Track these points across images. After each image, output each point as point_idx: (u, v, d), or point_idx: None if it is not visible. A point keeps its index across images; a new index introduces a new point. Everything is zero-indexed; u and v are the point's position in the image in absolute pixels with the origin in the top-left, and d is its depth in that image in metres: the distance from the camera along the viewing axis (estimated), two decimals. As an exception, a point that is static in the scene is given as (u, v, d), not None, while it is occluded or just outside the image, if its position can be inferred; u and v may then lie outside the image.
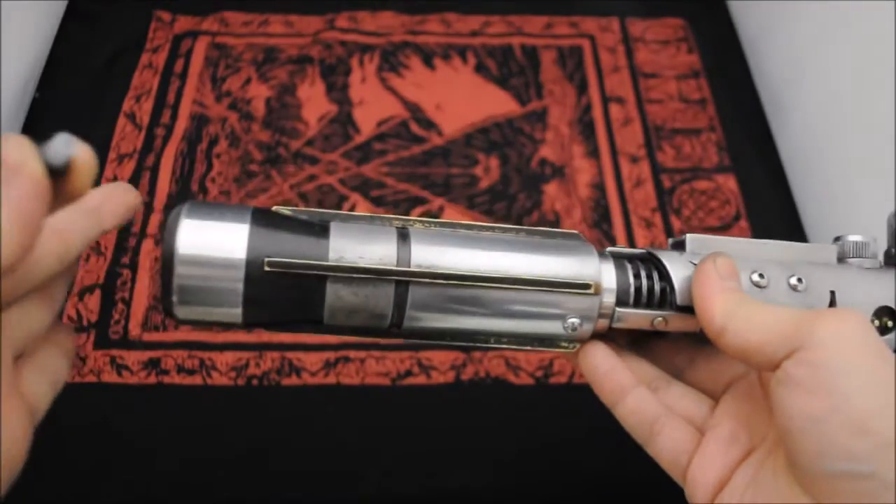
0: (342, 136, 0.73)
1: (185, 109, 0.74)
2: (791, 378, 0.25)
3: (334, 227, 0.28)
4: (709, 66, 0.80)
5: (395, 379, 0.59)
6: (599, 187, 0.71)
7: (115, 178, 0.69)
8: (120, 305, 0.61)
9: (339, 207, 0.68)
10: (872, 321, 0.30)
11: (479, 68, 0.79)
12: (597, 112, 0.76)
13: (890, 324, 0.31)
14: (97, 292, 0.62)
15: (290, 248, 0.27)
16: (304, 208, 0.30)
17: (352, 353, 0.60)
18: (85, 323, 0.60)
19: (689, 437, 0.32)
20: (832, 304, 0.31)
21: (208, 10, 0.82)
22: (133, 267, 0.64)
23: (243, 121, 0.73)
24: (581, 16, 0.84)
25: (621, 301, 0.31)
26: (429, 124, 0.74)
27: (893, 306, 0.31)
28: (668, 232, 0.68)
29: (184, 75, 0.77)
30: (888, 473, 0.22)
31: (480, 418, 0.57)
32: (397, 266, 0.28)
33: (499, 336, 0.31)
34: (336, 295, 0.28)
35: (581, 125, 0.75)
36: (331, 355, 0.59)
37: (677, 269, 0.31)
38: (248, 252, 0.26)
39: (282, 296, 0.27)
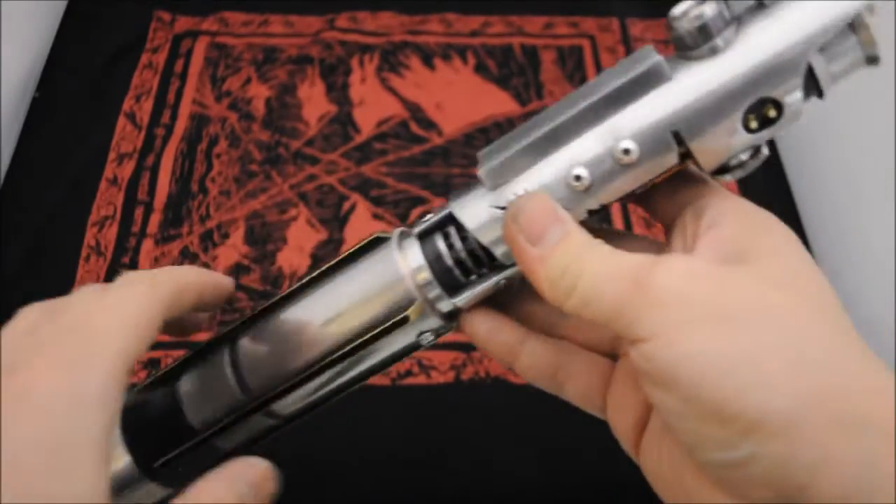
0: (342, 136, 0.73)
1: (185, 109, 0.74)
2: (636, 367, 0.22)
3: (184, 396, 0.29)
4: (709, 66, 0.80)
5: (395, 379, 0.59)
6: (599, 187, 0.71)
7: (114, 178, 0.69)
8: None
9: (339, 207, 0.68)
10: (747, 122, 0.23)
11: (479, 68, 0.79)
12: (597, 112, 0.76)
13: (773, 113, 0.23)
14: (97, 292, 0.62)
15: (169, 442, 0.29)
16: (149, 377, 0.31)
17: (352, 353, 0.60)
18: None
19: (598, 376, 0.28)
20: (684, 152, 0.24)
21: (208, 10, 0.82)
22: (133, 267, 0.64)
23: (243, 121, 0.73)
24: (581, 16, 0.84)
25: (451, 287, 0.27)
26: (429, 124, 0.74)
27: (772, 94, 0.23)
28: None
29: (184, 75, 0.77)
30: (767, 453, 0.20)
31: (480, 418, 0.57)
32: (247, 403, 0.28)
33: (368, 375, 0.29)
34: (227, 440, 0.30)
35: (581, 125, 0.75)
36: (331, 355, 0.59)
37: (480, 221, 0.26)
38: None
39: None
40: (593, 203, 0.25)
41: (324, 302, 0.28)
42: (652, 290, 0.21)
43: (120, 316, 0.24)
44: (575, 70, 0.79)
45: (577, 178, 0.25)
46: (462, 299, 0.27)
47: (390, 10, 0.83)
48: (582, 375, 0.29)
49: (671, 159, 0.24)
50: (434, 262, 0.27)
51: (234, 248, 0.65)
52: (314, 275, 0.28)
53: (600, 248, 0.24)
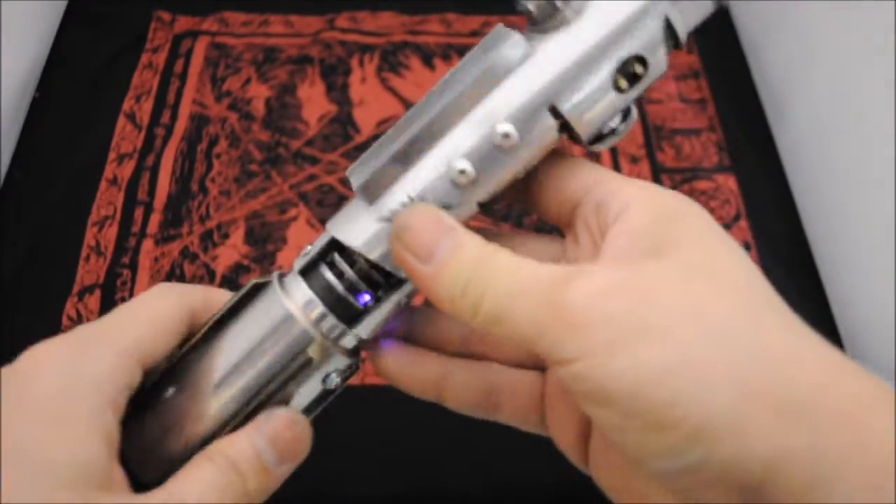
0: (342, 136, 0.73)
1: (185, 109, 0.74)
2: (567, 387, 0.21)
3: None
4: (709, 66, 0.80)
5: (394, 379, 0.59)
6: (599, 187, 0.71)
7: (114, 178, 0.69)
8: (120, 305, 0.61)
9: (339, 207, 0.68)
10: (616, 83, 0.23)
11: (479, 68, 0.79)
12: (597, 112, 0.76)
13: (640, 69, 0.23)
14: (97, 292, 0.62)
15: None
16: None
17: (352, 353, 0.60)
18: (85, 323, 0.60)
19: (530, 394, 0.26)
20: (563, 126, 0.23)
21: (208, 10, 0.82)
22: (133, 267, 0.64)
23: (243, 121, 0.73)
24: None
25: (349, 318, 0.25)
26: (429, 124, 0.74)
27: (636, 51, 0.23)
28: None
29: (184, 75, 0.77)
30: (716, 455, 0.18)
31: (480, 418, 0.57)
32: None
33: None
34: None
35: (581, 125, 0.75)
36: (331, 355, 0.59)
37: (365, 238, 0.24)
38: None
39: None
40: (482, 194, 0.24)
41: (210, 367, 0.25)
42: (570, 311, 0.20)
43: (140, 312, 0.25)
44: (575, 70, 0.79)
45: (462, 171, 0.23)
46: (364, 328, 0.25)
47: (390, 10, 0.83)
48: (515, 396, 0.27)
49: (551, 134, 0.23)
50: (324, 293, 0.25)
51: (234, 248, 0.65)
52: (193, 342, 0.26)
53: (500, 259, 0.21)
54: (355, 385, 0.58)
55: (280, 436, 0.24)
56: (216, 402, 0.24)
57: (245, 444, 0.24)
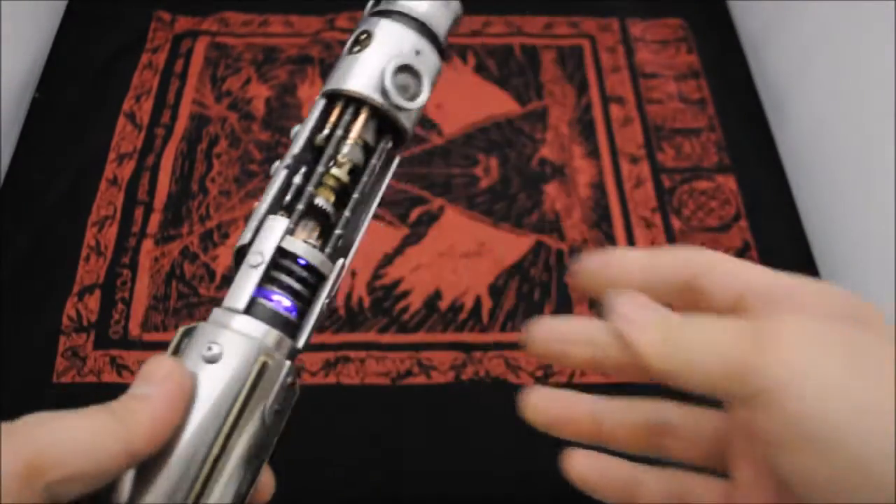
0: (342, 136, 0.73)
1: (185, 109, 0.74)
2: (757, 428, 0.20)
3: None
4: (709, 66, 0.80)
5: (395, 379, 0.59)
6: (599, 187, 0.71)
7: (114, 178, 0.69)
8: (120, 305, 0.61)
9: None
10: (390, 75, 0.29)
11: (479, 68, 0.79)
12: (597, 112, 0.76)
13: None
14: (97, 292, 0.62)
15: None
16: None
17: (352, 353, 0.60)
18: (85, 323, 0.60)
19: (719, 489, 0.25)
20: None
21: (208, 10, 0.82)
22: (133, 267, 0.64)
23: (243, 121, 0.73)
24: (581, 16, 0.84)
25: (288, 333, 0.27)
26: (429, 124, 0.74)
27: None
28: (668, 232, 0.68)
29: (184, 75, 0.77)
30: None
31: (480, 418, 0.57)
32: None
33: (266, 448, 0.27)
34: None
35: (581, 125, 0.75)
36: (331, 355, 0.59)
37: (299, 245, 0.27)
38: None
39: None
40: None
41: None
42: (778, 339, 0.19)
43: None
44: (575, 70, 0.79)
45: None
46: (302, 336, 0.27)
47: (390, 10, 0.83)
48: (705, 497, 0.26)
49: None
50: (256, 312, 0.27)
51: (233, 248, 0.65)
52: None
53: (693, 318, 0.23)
54: (355, 385, 0.58)
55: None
56: (204, 434, 0.24)
57: None
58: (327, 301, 0.28)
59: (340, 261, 0.28)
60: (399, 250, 0.66)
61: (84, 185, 0.68)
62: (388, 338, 0.61)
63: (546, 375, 0.59)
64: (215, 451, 0.24)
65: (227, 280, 0.64)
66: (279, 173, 0.29)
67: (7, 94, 0.70)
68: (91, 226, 0.66)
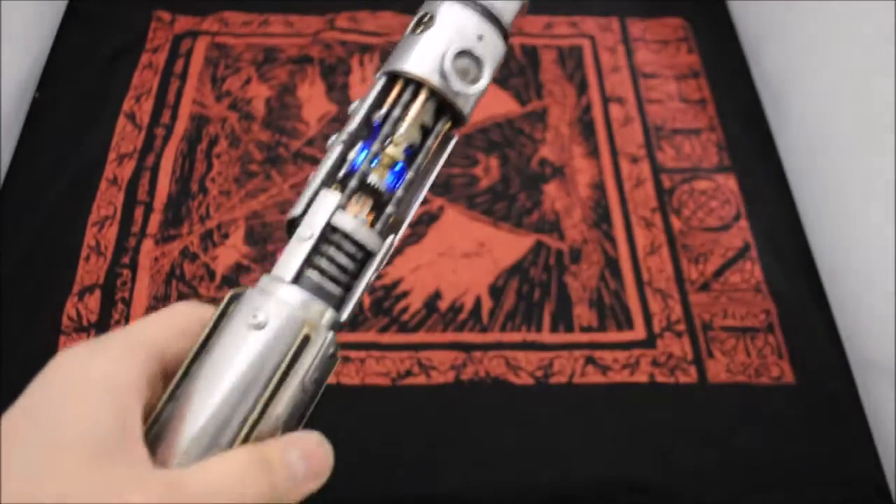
0: (342, 136, 0.73)
1: (185, 109, 0.74)
2: None
3: None
4: (709, 66, 0.80)
5: (395, 379, 0.59)
6: (599, 187, 0.71)
7: (115, 178, 0.69)
8: (120, 305, 0.61)
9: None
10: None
11: (479, 68, 0.79)
12: (597, 112, 0.76)
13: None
14: (97, 292, 0.62)
15: None
16: None
17: (352, 353, 0.60)
18: (85, 323, 0.60)
19: None
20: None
21: (208, 10, 0.82)
22: (133, 267, 0.64)
23: (243, 121, 0.73)
24: (581, 16, 0.84)
25: (333, 306, 0.28)
26: (429, 124, 0.74)
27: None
28: (668, 232, 0.68)
29: (184, 75, 0.77)
30: None
31: (480, 418, 0.57)
32: None
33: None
34: None
35: (581, 125, 0.75)
36: (331, 355, 0.59)
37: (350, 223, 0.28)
38: None
39: None
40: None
41: (225, 365, 0.26)
42: None
43: (155, 317, 0.26)
44: (575, 70, 0.79)
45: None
46: (346, 310, 0.28)
47: (390, 10, 0.83)
48: None
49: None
50: (303, 283, 0.27)
51: (234, 248, 0.65)
52: (201, 340, 0.27)
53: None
54: (355, 385, 0.58)
55: (311, 451, 0.27)
56: (246, 397, 0.26)
57: (279, 447, 0.25)
58: (374, 276, 0.29)
59: (390, 238, 0.29)
60: (399, 250, 0.66)
61: (84, 185, 0.68)
62: (387, 338, 0.61)
63: (546, 375, 0.59)
64: (254, 415, 0.25)
65: (228, 280, 0.64)
66: (335, 147, 0.29)
67: (7, 94, 0.70)
68: (91, 226, 0.66)
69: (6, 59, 0.70)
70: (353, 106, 0.30)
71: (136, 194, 0.68)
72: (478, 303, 0.63)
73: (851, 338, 0.63)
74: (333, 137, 0.30)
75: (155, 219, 0.67)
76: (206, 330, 0.26)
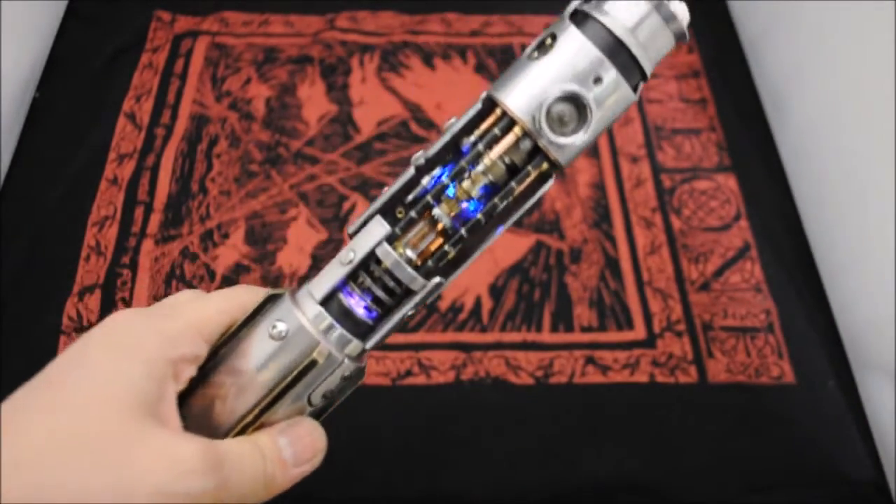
0: (342, 136, 0.73)
1: (185, 109, 0.74)
2: None
3: None
4: (709, 66, 0.80)
5: (395, 379, 0.59)
6: (599, 187, 0.71)
7: (115, 178, 0.69)
8: (120, 305, 0.61)
9: (339, 207, 0.68)
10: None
11: (479, 68, 0.79)
12: (597, 112, 0.76)
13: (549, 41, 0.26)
14: (97, 292, 0.62)
15: None
16: None
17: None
18: (85, 323, 0.60)
19: None
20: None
21: (208, 10, 0.82)
22: (133, 267, 0.64)
23: (243, 121, 0.73)
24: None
25: (359, 333, 0.28)
26: (429, 124, 0.74)
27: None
28: (669, 232, 0.68)
29: (184, 75, 0.77)
30: None
31: (480, 418, 0.57)
32: None
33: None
34: None
35: (581, 125, 0.75)
36: (331, 355, 0.59)
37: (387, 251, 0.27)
38: None
39: None
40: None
41: (242, 361, 0.27)
42: None
43: (212, 299, 0.28)
44: (575, 70, 0.79)
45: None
46: (372, 340, 0.28)
47: (390, 10, 0.83)
48: None
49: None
50: (332, 306, 0.28)
51: (234, 248, 0.66)
52: (227, 336, 0.28)
53: None
54: (355, 385, 0.58)
55: (300, 439, 0.28)
56: (245, 397, 0.27)
57: (271, 438, 0.27)
58: (411, 313, 0.28)
59: (436, 280, 0.28)
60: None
61: (84, 185, 0.68)
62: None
63: (546, 375, 0.59)
64: (249, 418, 0.27)
65: (228, 280, 0.64)
66: (409, 170, 0.28)
67: (7, 94, 0.70)
68: (91, 226, 0.66)
69: (6, 59, 0.70)
70: (448, 122, 0.28)
71: (136, 194, 0.68)
72: (478, 303, 0.63)
73: (851, 338, 0.63)
74: (420, 153, 0.28)
75: (155, 219, 0.67)
76: (238, 323, 0.28)
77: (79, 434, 0.23)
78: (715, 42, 0.83)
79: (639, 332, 0.62)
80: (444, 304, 0.63)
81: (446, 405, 0.58)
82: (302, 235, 0.66)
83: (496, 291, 0.64)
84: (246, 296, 0.28)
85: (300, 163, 0.71)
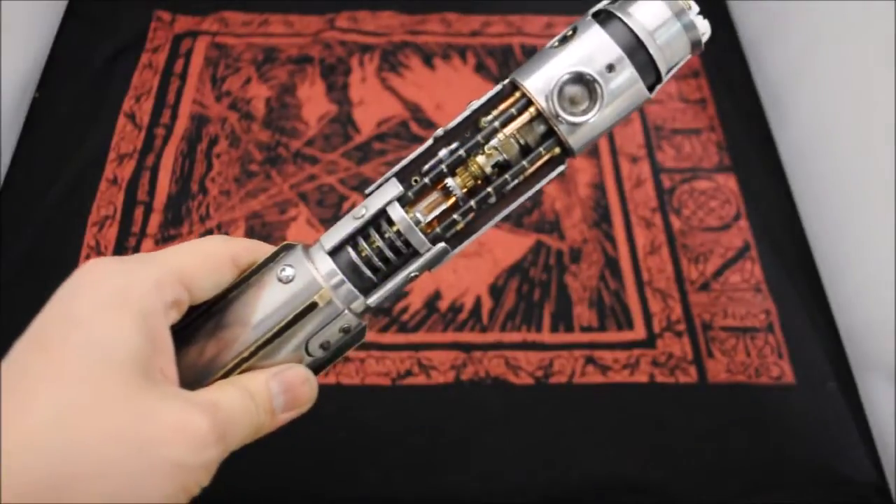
0: (342, 136, 0.73)
1: (185, 109, 0.74)
2: None
3: None
4: (709, 66, 0.80)
5: (395, 379, 0.59)
6: (599, 187, 0.71)
7: (115, 178, 0.69)
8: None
9: (339, 207, 0.68)
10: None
11: (479, 68, 0.79)
12: (597, 112, 0.76)
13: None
14: (97, 292, 0.62)
15: None
16: None
17: (352, 353, 0.60)
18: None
19: None
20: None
21: (208, 10, 0.82)
22: (133, 267, 0.64)
23: (243, 121, 0.73)
24: (581, 16, 0.84)
25: (363, 288, 0.29)
26: (429, 124, 0.74)
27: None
28: (668, 232, 0.68)
29: (184, 75, 0.77)
30: None
31: (480, 418, 0.57)
32: None
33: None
34: None
35: (581, 125, 0.75)
36: (331, 355, 0.59)
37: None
38: None
39: None
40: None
41: (245, 308, 0.29)
42: None
43: (186, 247, 0.28)
44: (575, 70, 0.79)
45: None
46: (375, 297, 0.29)
47: (390, 10, 0.83)
48: None
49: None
50: (340, 258, 0.29)
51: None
52: (232, 284, 0.29)
53: None
54: (355, 385, 0.58)
55: (292, 386, 0.29)
56: (246, 334, 0.28)
57: (263, 382, 0.28)
58: (415, 276, 0.29)
59: (441, 245, 0.29)
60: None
61: (84, 185, 0.68)
62: (388, 338, 0.61)
63: (546, 375, 0.59)
64: (245, 354, 0.28)
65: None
66: (428, 141, 0.30)
67: (7, 94, 0.70)
68: (91, 226, 0.66)
69: (6, 59, 0.70)
70: (471, 102, 0.30)
71: (136, 194, 0.68)
72: (478, 303, 0.63)
73: (851, 338, 0.63)
74: (440, 130, 0.30)
75: (155, 219, 0.67)
76: (252, 268, 0.29)
77: (87, 407, 0.23)
78: (715, 42, 0.83)
79: (638, 332, 0.62)
80: (444, 304, 0.63)
81: (446, 405, 0.58)
82: (302, 235, 0.66)
83: (496, 291, 0.64)
84: (219, 245, 0.29)
85: (300, 163, 0.71)
